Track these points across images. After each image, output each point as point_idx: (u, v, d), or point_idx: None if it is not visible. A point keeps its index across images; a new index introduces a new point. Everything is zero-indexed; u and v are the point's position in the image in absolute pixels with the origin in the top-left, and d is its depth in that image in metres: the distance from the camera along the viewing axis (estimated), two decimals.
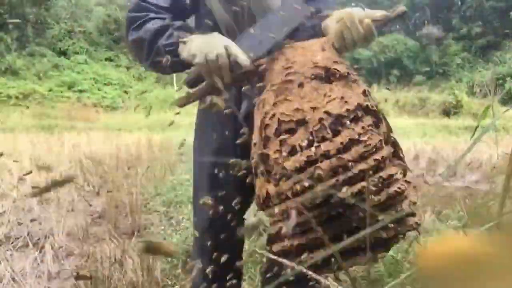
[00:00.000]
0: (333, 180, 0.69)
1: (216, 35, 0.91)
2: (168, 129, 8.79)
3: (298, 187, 0.70)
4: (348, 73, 0.80)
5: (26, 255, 2.23)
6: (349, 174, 0.70)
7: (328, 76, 0.78)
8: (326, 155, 0.70)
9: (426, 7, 29.07)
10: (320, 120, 0.73)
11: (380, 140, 0.74)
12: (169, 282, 1.94)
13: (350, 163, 0.70)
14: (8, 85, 16.79)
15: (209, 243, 1.13)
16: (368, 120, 0.76)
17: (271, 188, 0.74)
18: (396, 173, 0.74)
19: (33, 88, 17.09)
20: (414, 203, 0.77)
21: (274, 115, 0.76)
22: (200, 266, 1.16)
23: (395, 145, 0.81)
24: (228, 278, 1.13)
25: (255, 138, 0.79)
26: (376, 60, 25.53)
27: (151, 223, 2.90)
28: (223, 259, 1.03)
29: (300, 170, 0.70)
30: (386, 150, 0.75)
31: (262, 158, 0.76)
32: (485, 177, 4.67)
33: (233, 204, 1.01)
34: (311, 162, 0.70)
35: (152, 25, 0.98)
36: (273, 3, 1.02)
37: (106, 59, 21.91)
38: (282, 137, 0.74)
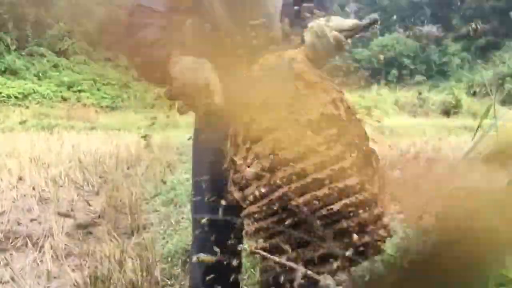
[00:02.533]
0: (286, 188, 0.71)
1: (202, 63, 0.88)
2: (168, 129, 8.79)
3: (257, 193, 0.74)
4: (315, 82, 0.80)
5: (26, 255, 2.23)
6: (302, 182, 0.71)
7: (296, 85, 0.80)
8: (283, 163, 0.73)
9: (425, 7, 29.07)
10: (285, 126, 0.76)
11: (342, 151, 0.74)
12: (169, 282, 1.94)
13: (304, 172, 0.72)
14: (8, 85, 16.78)
15: (208, 242, 1.12)
16: (331, 129, 0.76)
17: (237, 194, 0.79)
18: (358, 184, 0.72)
19: (32, 88, 17.08)
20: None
21: (244, 122, 0.80)
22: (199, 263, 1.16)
23: (368, 153, 0.80)
24: (227, 277, 1.13)
25: (227, 145, 0.83)
26: (376, 60, 25.54)
27: (151, 223, 2.90)
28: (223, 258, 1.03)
29: (259, 177, 0.74)
30: (349, 161, 0.74)
31: (233, 164, 0.80)
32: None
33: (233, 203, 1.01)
34: (269, 170, 0.73)
35: (147, 35, 0.96)
36: (271, 3, 1.03)
37: (105, 59, 21.90)
38: (248, 145, 0.78)
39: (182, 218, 2.93)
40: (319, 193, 0.70)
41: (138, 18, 0.99)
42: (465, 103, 18.46)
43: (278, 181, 0.71)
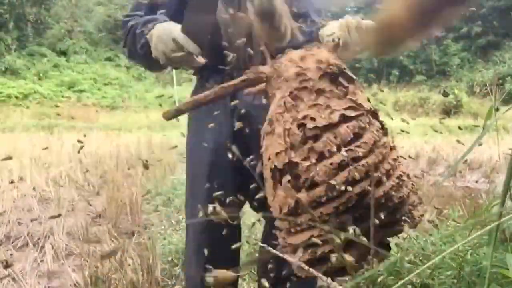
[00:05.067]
0: (367, 182, 0.72)
1: (164, 25, 0.95)
2: (168, 129, 8.79)
3: (334, 192, 0.72)
4: (354, 78, 0.83)
5: (26, 254, 2.23)
6: (378, 174, 0.73)
7: (340, 80, 0.80)
8: (355, 159, 0.73)
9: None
10: (341, 123, 0.75)
11: (385, 142, 0.78)
12: (169, 282, 1.94)
13: (378, 164, 0.73)
14: (8, 85, 16.79)
15: (204, 243, 1.12)
16: (375, 122, 0.79)
17: (303, 196, 0.74)
18: (404, 173, 0.79)
19: (33, 88, 17.09)
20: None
21: (296, 123, 0.77)
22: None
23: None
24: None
25: (277, 148, 0.78)
26: (377, 60, 25.53)
27: (151, 223, 2.90)
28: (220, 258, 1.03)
29: (332, 175, 0.72)
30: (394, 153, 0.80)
31: (290, 167, 0.76)
32: (485, 177, 4.67)
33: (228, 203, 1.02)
34: (343, 167, 0.72)
35: (128, 23, 1.05)
36: None
37: (106, 59, 21.91)
38: (309, 144, 0.75)
39: (182, 218, 2.94)
40: (391, 183, 0.73)
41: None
42: (466, 103, 18.45)
43: (357, 177, 0.71)
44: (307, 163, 0.74)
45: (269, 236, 1.17)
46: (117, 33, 21.66)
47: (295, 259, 0.76)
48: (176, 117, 0.89)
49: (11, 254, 2.23)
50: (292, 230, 0.77)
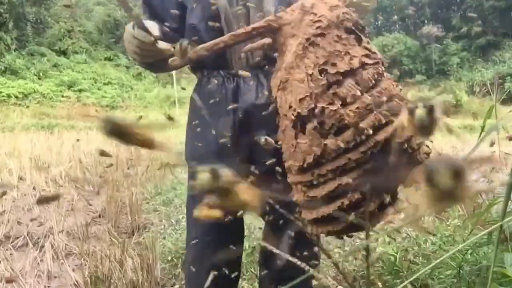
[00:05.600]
0: (390, 127, 0.71)
1: (128, 27, 0.93)
2: (168, 129, 8.77)
3: (362, 136, 0.71)
4: (365, 28, 0.82)
5: (26, 254, 2.23)
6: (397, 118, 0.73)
7: (354, 28, 0.80)
8: (379, 103, 0.73)
9: (426, 7, 29.07)
10: (361, 69, 0.75)
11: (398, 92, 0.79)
12: (169, 282, 1.94)
13: (397, 111, 0.72)
14: (8, 84, 16.78)
15: (206, 243, 1.12)
16: (384, 71, 0.80)
17: (331, 142, 0.72)
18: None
19: (33, 88, 17.08)
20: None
21: (317, 69, 0.75)
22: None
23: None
24: (227, 276, 1.12)
25: (300, 93, 0.76)
26: None
27: (151, 222, 2.90)
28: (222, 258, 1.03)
29: (361, 118, 0.72)
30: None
31: (315, 113, 0.74)
32: (485, 177, 4.67)
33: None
34: (368, 111, 0.72)
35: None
36: None
37: (105, 59, 21.90)
38: (333, 89, 0.74)
39: (182, 217, 2.93)
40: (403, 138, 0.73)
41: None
42: (465, 102, 18.46)
43: (383, 121, 0.71)
44: (333, 107, 0.73)
45: (269, 236, 1.17)
46: (117, 33, 21.65)
47: (315, 216, 0.76)
48: (184, 66, 0.88)
49: (10, 254, 2.23)
50: (315, 182, 0.75)
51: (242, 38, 0.83)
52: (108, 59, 22.00)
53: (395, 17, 32.09)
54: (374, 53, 0.78)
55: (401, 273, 1.50)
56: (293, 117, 0.76)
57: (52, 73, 18.99)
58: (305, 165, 0.75)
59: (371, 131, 0.70)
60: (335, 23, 0.78)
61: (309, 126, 0.74)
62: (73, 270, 2.04)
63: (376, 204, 0.73)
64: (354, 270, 1.75)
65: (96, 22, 22.88)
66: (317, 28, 0.77)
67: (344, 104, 0.73)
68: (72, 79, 18.72)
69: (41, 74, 18.54)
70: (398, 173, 0.70)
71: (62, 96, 17.71)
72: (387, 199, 0.74)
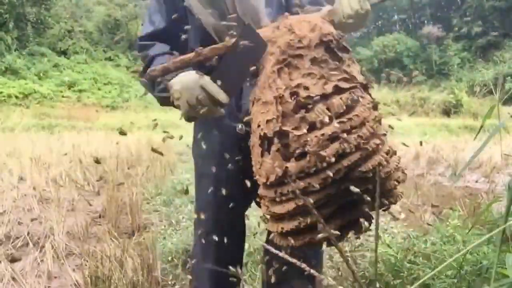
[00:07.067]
0: (357, 155, 0.70)
1: (190, 73, 0.90)
2: (168, 129, 8.77)
3: (323, 163, 0.70)
4: (349, 49, 0.81)
5: (26, 254, 2.23)
6: (368, 147, 0.72)
7: (335, 50, 0.78)
8: (347, 131, 0.71)
9: (426, 7, 29.06)
10: (334, 95, 0.74)
11: (376, 116, 0.77)
12: (170, 282, 1.94)
13: (368, 138, 0.72)
14: (8, 84, 16.78)
15: (213, 240, 1.13)
16: (366, 96, 0.78)
17: (292, 165, 0.72)
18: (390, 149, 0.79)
19: (33, 88, 17.08)
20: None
21: (289, 91, 0.74)
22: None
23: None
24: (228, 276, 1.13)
25: (267, 115, 0.75)
26: (377, 60, 25.53)
27: (151, 222, 2.90)
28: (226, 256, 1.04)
29: (323, 146, 0.71)
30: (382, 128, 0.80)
31: (280, 135, 0.74)
32: (485, 176, 4.66)
33: (234, 202, 1.03)
34: (334, 138, 0.71)
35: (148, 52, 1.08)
36: (258, 3, 1.02)
37: (106, 59, 21.90)
38: (301, 113, 0.73)
39: (182, 218, 2.93)
40: (379, 157, 0.73)
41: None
42: (466, 102, 18.45)
43: (348, 149, 0.70)
44: (298, 133, 0.72)
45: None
46: (117, 33, 21.65)
47: (277, 230, 0.76)
48: (162, 76, 0.88)
49: (11, 254, 2.23)
50: (277, 199, 0.76)
51: (221, 51, 0.84)
52: (109, 59, 22.00)
53: (396, 17, 32.11)
54: (353, 76, 0.76)
55: (401, 273, 1.50)
56: (260, 136, 0.77)
57: (52, 73, 18.99)
58: (268, 183, 0.76)
59: (333, 159, 0.70)
60: (315, 44, 0.76)
61: (273, 148, 0.75)
62: (73, 270, 2.04)
63: (337, 225, 0.73)
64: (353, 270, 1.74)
65: (96, 22, 22.88)
66: (296, 49, 0.77)
67: (311, 129, 0.72)
68: (72, 79, 18.73)
69: (41, 74, 18.54)
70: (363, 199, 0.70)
71: (63, 96, 17.72)
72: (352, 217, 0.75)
